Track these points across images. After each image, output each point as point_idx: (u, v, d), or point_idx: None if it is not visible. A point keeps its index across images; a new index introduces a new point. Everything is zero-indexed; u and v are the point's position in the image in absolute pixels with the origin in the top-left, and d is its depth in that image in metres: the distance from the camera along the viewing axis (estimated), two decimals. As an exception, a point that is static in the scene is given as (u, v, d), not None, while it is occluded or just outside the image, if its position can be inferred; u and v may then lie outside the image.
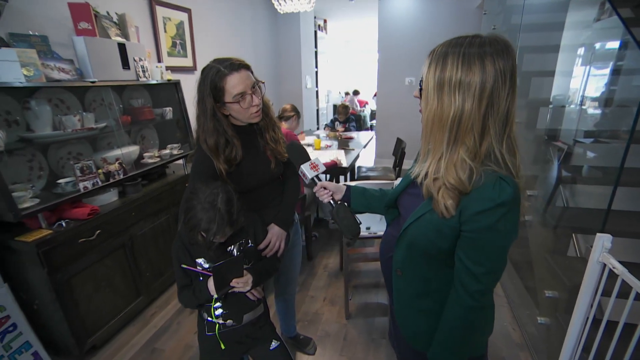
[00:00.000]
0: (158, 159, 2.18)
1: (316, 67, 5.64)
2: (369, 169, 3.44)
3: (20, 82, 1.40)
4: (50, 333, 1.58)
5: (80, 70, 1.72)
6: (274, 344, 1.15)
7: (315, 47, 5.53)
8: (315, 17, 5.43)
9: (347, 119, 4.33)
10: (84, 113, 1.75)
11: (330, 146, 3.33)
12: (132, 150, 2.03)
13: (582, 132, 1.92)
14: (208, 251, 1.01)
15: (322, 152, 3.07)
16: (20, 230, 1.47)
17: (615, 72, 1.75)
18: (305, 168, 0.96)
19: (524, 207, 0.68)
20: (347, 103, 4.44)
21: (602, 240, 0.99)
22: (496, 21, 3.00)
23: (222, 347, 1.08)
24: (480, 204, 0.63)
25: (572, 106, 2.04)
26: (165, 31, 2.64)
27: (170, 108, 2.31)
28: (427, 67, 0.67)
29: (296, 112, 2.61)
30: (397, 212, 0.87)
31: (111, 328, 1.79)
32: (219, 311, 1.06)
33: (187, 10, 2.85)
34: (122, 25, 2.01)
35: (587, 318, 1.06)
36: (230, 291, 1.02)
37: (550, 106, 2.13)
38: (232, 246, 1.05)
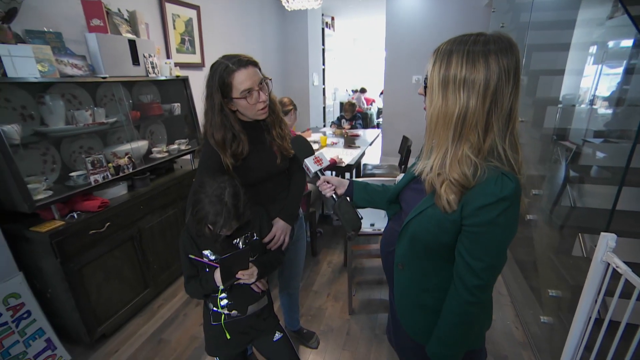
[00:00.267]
0: (166, 154, 2.22)
1: (323, 64, 5.64)
2: (375, 167, 3.44)
3: (36, 78, 1.44)
4: (62, 321, 1.64)
5: (92, 66, 1.76)
6: (277, 335, 1.18)
7: (323, 44, 5.53)
8: (322, 15, 5.43)
9: (353, 116, 4.34)
10: (95, 108, 1.79)
11: (336, 143, 3.34)
12: (141, 145, 2.08)
13: (591, 132, 1.89)
14: (214, 243, 1.04)
15: (324, 150, 3.09)
16: (35, 221, 1.52)
17: (629, 71, 1.72)
18: (309, 162, 0.98)
19: (523, 203, 0.68)
20: (354, 101, 4.43)
21: (606, 240, 0.98)
22: (504, 19, 2.97)
23: (227, 336, 1.11)
24: (483, 199, 0.64)
25: (583, 106, 2.01)
26: (174, 28, 2.67)
27: (179, 104, 2.35)
28: (432, 64, 0.68)
29: (294, 106, 2.58)
30: (399, 206, 0.89)
31: (120, 318, 1.84)
32: (225, 302, 1.09)
33: (196, 7, 2.88)
34: (132, 22, 2.05)
35: (590, 317, 1.06)
36: (235, 283, 1.05)
37: (560, 105, 2.11)
38: (238, 239, 1.08)
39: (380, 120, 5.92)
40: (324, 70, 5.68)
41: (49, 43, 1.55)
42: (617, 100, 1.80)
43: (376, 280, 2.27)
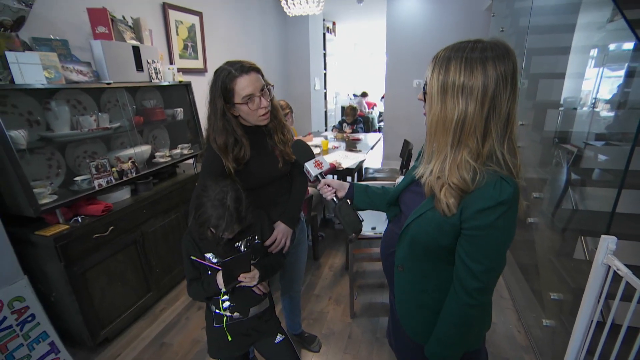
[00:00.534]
0: (169, 159, 2.24)
1: (325, 69, 5.68)
2: (376, 170, 3.45)
3: (42, 84, 1.47)
4: (65, 324, 1.65)
5: (97, 72, 1.80)
6: (279, 337, 1.19)
7: (324, 49, 5.57)
8: (324, 20, 5.48)
9: (354, 120, 4.35)
10: (100, 113, 1.81)
11: (337, 147, 3.36)
12: (144, 149, 2.10)
13: (593, 135, 1.90)
14: (217, 246, 1.05)
15: (324, 155, 3.10)
16: (39, 225, 1.54)
17: (630, 74, 1.73)
18: (309, 165, 0.99)
19: (522, 205, 0.69)
20: (355, 105, 4.46)
21: (607, 242, 0.98)
22: (504, 23, 2.99)
23: (229, 338, 1.12)
24: (482, 203, 0.65)
25: (584, 109, 2.01)
26: (177, 34, 2.71)
27: (181, 109, 2.37)
28: (431, 71, 0.69)
29: (290, 109, 2.58)
30: (399, 209, 0.89)
31: (123, 321, 1.85)
32: (227, 304, 1.10)
33: (198, 14, 2.92)
34: (136, 28, 2.08)
35: (592, 320, 1.06)
36: (237, 285, 1.06)
37: (561, 109, 2.11)
38: (240, 242, 1.09)
39: (382, 124, 5.94)
40: (325, 74, 5.72)
41: (55, 50, 1.59)
42: (618, 103, 1.81)
43: (377, 284, 2.27)
